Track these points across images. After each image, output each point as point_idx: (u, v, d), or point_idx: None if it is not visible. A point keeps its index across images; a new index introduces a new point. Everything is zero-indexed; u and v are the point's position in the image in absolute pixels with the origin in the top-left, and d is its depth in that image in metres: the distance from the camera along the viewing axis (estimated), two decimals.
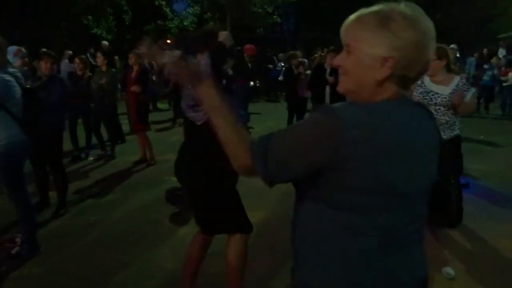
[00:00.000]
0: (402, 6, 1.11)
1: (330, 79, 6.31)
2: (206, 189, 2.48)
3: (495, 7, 24.03)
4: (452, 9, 24.90)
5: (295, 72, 8.24)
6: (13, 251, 3.58)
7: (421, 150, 1.14)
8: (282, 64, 13.54)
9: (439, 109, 3.75)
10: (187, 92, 2.34)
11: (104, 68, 6.82)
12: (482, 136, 8.24)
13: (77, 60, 7.04)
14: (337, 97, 6.34)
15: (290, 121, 8.36)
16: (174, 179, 5.57)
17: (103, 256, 3.59)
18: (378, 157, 1.05)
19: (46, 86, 4.45)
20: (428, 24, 1.11)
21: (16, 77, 3.39)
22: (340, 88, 1.20)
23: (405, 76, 1.11)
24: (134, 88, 6.42)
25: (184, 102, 2.42)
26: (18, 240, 3.64)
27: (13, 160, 3.38)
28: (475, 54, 15.06)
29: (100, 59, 6.91)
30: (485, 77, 11.96)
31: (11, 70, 3.40)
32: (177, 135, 8.70)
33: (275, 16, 20.30)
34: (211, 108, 1.25)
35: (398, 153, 1.08)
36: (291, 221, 1.30)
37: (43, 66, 4.75)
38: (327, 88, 6.41)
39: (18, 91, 3.39)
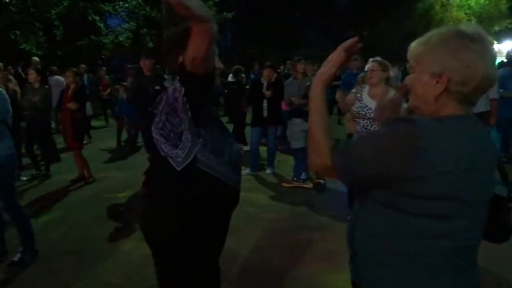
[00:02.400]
0: (462, 26, 1.24)
1: (267, 93, 6.53)
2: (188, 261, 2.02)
3: (418, 25, 25.93)
4: (379, 26, 26.59)
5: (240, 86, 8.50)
6: (15, 258, 3.65)
7: (480, 162, 1.22)
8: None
9: (373, 124, 4.00)
10: (172, 119, 1.89)
11: (37, 85, 6.61)
12: None
13: None
14: (274, 110, 6.60)
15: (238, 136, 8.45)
16: (115, 196, 5.61)
17: (44, 277, 3.51)
18: (446, 167, 1.15)
19: None
20: (484, 43, 1.21)
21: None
22: (410, 105, 1.36)
23: (461, 91, 1.21)
24: (70, 105, 6.29)
25: (161, 133, 1.91)
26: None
27: (10, 171, 3.55)
28: (401, 68, 16.16)
29: (32, 75, 6.66)
30: None
31: None
32: (115, 152, 8.60)
33: None
34: (316, 107, 1.37)
35: (462, 164, 1.17)
36: (351, 227, 1.44)
37: None
38: (265, 102, 6.62)
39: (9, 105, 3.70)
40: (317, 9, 28.11)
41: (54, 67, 11.29)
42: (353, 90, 4.33)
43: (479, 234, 1.31)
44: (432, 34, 1.27)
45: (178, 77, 1.86)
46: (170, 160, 1.88)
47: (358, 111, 4.08)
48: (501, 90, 6.44)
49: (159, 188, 1.98)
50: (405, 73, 15.03)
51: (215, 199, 1.95)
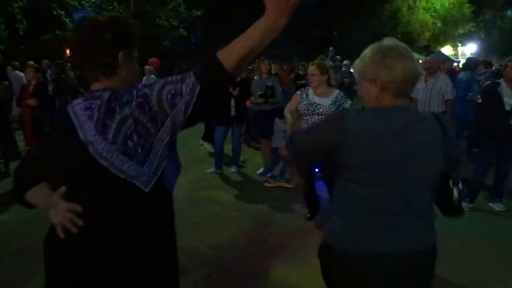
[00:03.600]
0: (385, 41, 1.63)
1: (235, 92, 6.45)
2: None
3: (385, 26, 26.46)
4: (348, 27, 27.00)
5: None
6: None
7: (410, 142, 1.55)
8: None
9: (322, 118, 4.15)
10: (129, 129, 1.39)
11: None
12: None
13: None
14: (240, 109, 6.58)
15: (209, 134, 8.30)
16: None
17: None
18: (365, 143, 1.53)
19: None
20: (398, 50, 1.58)
21: None
22: (364, 105, 1.69)
23: (393, 87, 1.57)
24: (30, 102, 6.14)
25: (122, 150, 1.39)
26: None
27: None
28: None
29: None
30: None
31: None
32: None
33: (181, 30, 20.35)
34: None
35: (382, 142, 1.53)
36: None
37: None
38: (232, 101, 6.54)
39: None
40: None
41: (16, 62, 11.01)
42: (298, 92, 4.56)
43: (404, 203, 1.56)
44: (366, 52, 1.64)
45: (193, 75, 1.37)
46: (134, 181, 1.40)
47: (307, 107, 4.28)
48: (469, 94, 6.83)
49: (121, 222, 1.44)
50: None
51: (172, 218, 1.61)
